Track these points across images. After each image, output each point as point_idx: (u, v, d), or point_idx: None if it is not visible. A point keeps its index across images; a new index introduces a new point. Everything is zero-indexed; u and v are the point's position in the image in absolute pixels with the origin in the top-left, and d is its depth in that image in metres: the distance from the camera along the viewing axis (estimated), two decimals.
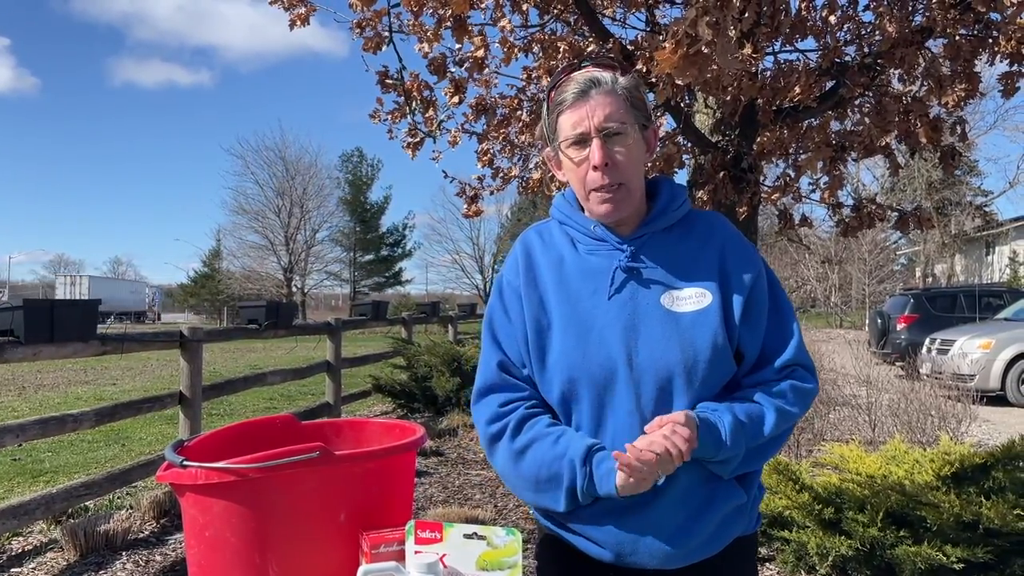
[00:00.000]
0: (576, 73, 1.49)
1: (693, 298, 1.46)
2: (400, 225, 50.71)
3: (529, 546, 1.44)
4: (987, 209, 36.70)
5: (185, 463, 1.31)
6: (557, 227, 1.60)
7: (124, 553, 4.36)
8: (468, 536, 1.27)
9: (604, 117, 1.44)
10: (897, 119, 4.35)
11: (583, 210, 1.56)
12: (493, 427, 1.51)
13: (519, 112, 5.32)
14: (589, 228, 1.53)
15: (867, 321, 21.56)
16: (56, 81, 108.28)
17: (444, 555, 1.27)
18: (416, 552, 1.27)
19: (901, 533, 3.27)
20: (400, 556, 1.29)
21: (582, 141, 1.46)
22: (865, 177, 35.20)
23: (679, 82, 3.23)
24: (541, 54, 4.73)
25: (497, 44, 4.84)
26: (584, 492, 1.40)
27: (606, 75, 1.48)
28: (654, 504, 1.41)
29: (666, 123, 5.60)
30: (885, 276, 35.91)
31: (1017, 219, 29.51)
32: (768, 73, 4.59)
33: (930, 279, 34.78)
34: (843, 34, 4.75)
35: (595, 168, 1.45)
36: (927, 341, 12.56)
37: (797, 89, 4.23)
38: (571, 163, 1.49)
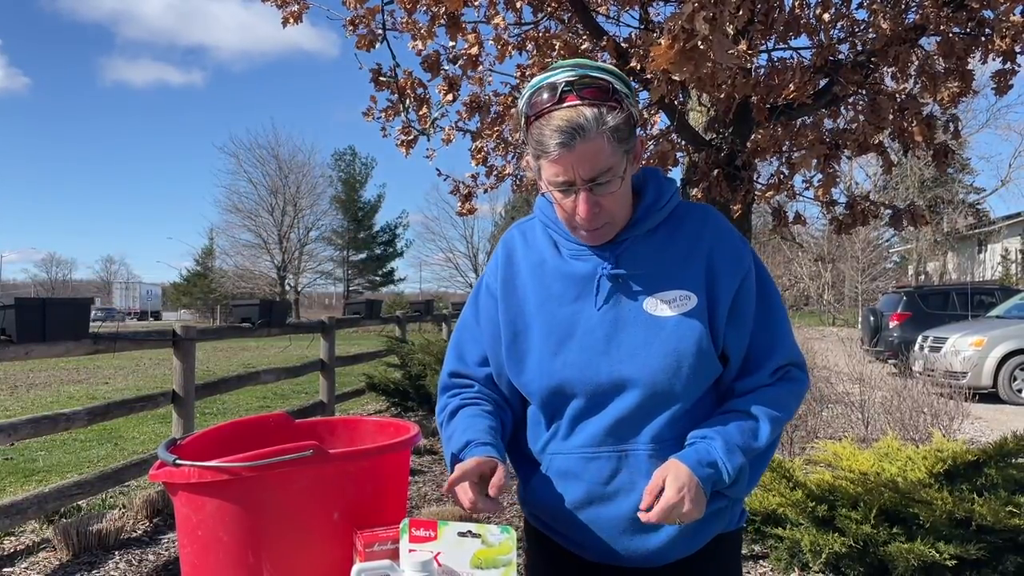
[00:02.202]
0: (557, 113, 1.34)
1: (677, 301, 1.43)
2: (393, 224, 50.80)
3: (523, 544, 1.43)
4: (979, 207, 36.89)
5: (178, 462, 1.31)
6: (540, 227, 1.55)
7: (117, 552, 4.34)
8: (462, 534, 1.26)
9: (589, 169, 1.35)
10: (891, 117, 4.36)
11: None
12: (439, 419, 1.58)
13: (513, 110, 5.32)
14: (571, 234, 1.49)
15: (860, 319, 21.63)
16: (47, 80, 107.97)
17: (439, 553, 1.26)
18: (410, 550, 1.27)
19: (894, 530, 3.28)
20: (394, 555, 1.29)
21: (567, 188, 1.39)
22: (858, 175, 35.34)
23: (675, 78, 3.22)
24: (535, 52, 4.73)
25: (491, 42, 4.84)
26: None
27: (589, 114, 1.33)
28: (631, 505, 1.40)
29: (660, 121, 5.61)
30: (878, 274, 36.04)
31: (1009, 217, 29.62)
32: (762, 71, 4.60)
33: (923, 277, 34.90)
34: (837, 32, 4.76)
35: (581, 217, 1.40)
36: (919, 339, 12.61)
37: (791, 87, 4.23)
38: (556, 200, 1.44)
